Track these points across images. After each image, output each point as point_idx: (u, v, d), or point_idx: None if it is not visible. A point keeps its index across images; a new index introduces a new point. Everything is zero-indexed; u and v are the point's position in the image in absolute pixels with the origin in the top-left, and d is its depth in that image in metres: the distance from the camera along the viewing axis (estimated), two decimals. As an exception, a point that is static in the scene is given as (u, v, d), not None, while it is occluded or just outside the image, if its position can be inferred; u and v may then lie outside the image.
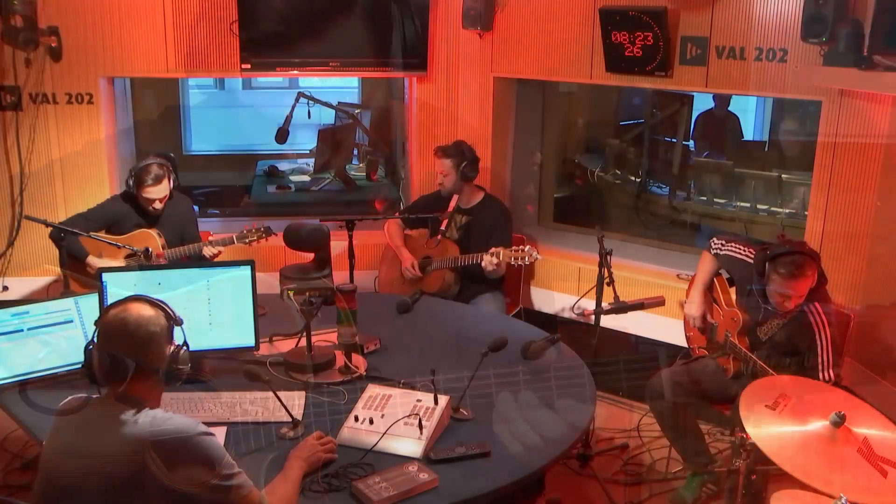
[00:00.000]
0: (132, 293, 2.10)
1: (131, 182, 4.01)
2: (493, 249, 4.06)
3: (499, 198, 4.54)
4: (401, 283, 4.38)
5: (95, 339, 2.01)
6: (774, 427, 2.35)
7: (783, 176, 5.22)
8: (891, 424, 2.38)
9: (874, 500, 2.14)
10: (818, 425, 2.32)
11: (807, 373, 3.19)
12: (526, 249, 3.87)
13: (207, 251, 4.07)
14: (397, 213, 4.72)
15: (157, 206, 4.06)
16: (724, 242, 3.59)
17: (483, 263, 4.00)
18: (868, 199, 3.79)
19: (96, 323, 2.02)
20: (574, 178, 5.92)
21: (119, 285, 2.72)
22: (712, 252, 3.61)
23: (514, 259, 3.89)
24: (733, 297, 3.53)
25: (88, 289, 3.78)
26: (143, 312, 2.01)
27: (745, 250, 3.45)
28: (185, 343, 2.10)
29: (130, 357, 1.97)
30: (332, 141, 6.27)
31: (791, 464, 2.21)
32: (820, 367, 3.15)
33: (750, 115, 7.64)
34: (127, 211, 4.11)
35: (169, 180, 4.05)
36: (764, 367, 3.17)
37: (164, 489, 1.87)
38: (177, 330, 2.09)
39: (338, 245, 4.08)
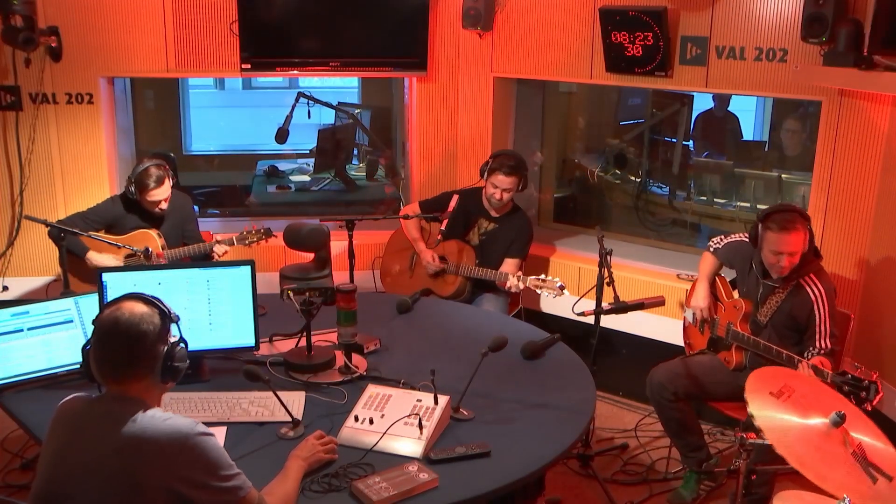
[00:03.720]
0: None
1: (133, 188, 3.99)
2: (512, 265, 4.05)
3: (525, 211, 4.41)
4: (407, 277, 4.35)
5: (91, 338, 2.00)
6: (777, 414, 2.36)
7: (783, 176, 5.22)
8: (884, 437, 2.40)
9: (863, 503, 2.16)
10: (818, 421, 2.34)
11: (805, 343, 3.28)
12: (557, 284, 3.74)
13: (219, 249, 4.06)
14: (397, 214, 4.67)
15: (163, 206, 4.06)
16: (721, 238, 3.69)
17: (508, 285, 3.96)
18: (868, 199, 3.79)
19: (93, 322, 2.02)
20: (574, 178, 5.92)
21: (119, 285, 2.72)
22: (711, 250, 3.69)
23: (538, 288, 3.79)
24: (736, 294, 3.56)
25: (89, 287, 3.80)
26: (136, 310, 1.98)
27: (741, 235, 3.59)
28: (183, 340, 2.08)
29: (123, 356, 1.96)
30: (332, 141, 6.28)
31: (790, 452, 2.22)
32: (817, 335, 3.23)
33: (750, 115, 7.63)
34: (125, 212, 4.11)
35: (169, 179, 4.05)
36: (768, 344, 3.24)
37: (162, 490, 1.86)
38: (175, 327, 2.07)
39: (338, 245, 4.08)
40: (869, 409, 2.73)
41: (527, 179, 4.20)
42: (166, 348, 2.01)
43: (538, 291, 3.81)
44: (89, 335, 2.02)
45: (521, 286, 3.92)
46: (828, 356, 3.17)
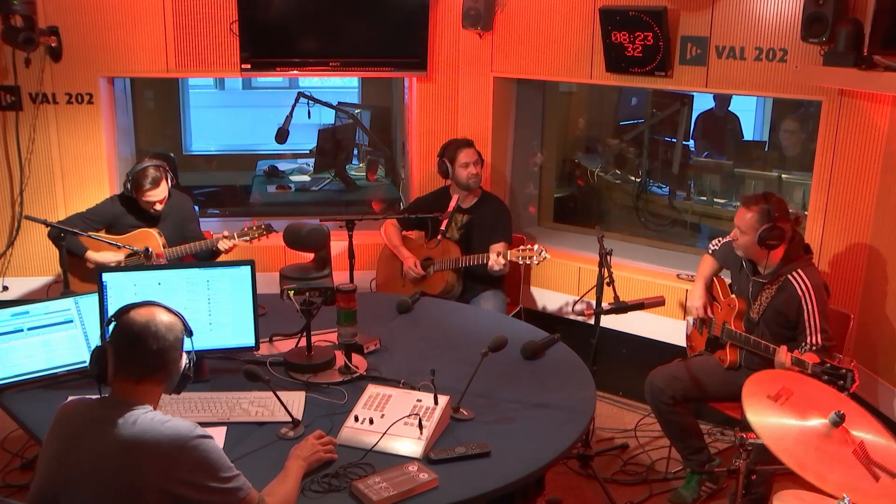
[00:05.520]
0: (132, 293, 2.10)
1: (129, 186, 4.00)
2: (498, 249, 4.06)
3: (496, 195, 4.53)
4: (400, 284, 4.37)
5: (113, 339, 2.00)
6: (774, 418, 2.35)
7: (783, 176, 5.22)
8: (887, 433, 2.40)
9: (866, 502, 2.15)
10: (817, 422, 2.33)
11: (797, 338, 3.28)
12: (535, 249, 3.86)
13: (223, 244, 4.06)
14: (396, 214, 4.70)
15: (158, 207, 4.06)
16: (720, 240, 3.69)
17: (490, 264, 3.99)
18: (868, 199, 3.79)
19: (114, 319, 2.01)
20: (574, 178, 5.92)
21: (119, 285, 2.72)
22: (710, 251, 3.70)
23: (522, 259, 3.88)
24: (733, 294, 3.56)
25: (88, 286, 3.80)
26: (165, 318, 2.02)
27: None
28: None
29: (153, 360, 1.99)
30: (332, 141, 6.28)
31: (788, 455, 2.21)
32: (808, 331, 3.23)
33: (750, 115, 7.63)
34: (125, 211, 4.11)
35: (167, 180, 4.04)
36: (757, 340, 3.26)
37: (161, 492, 1.86)
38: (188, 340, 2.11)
39: (338, 245, 4.08)
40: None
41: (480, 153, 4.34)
42: (186, 358, 2.07)
43: (521, 262, 3.90)
44: (89, 335, 2.02)
45: (503, 261, 3.95)
46: (820, 352, 3.16)
